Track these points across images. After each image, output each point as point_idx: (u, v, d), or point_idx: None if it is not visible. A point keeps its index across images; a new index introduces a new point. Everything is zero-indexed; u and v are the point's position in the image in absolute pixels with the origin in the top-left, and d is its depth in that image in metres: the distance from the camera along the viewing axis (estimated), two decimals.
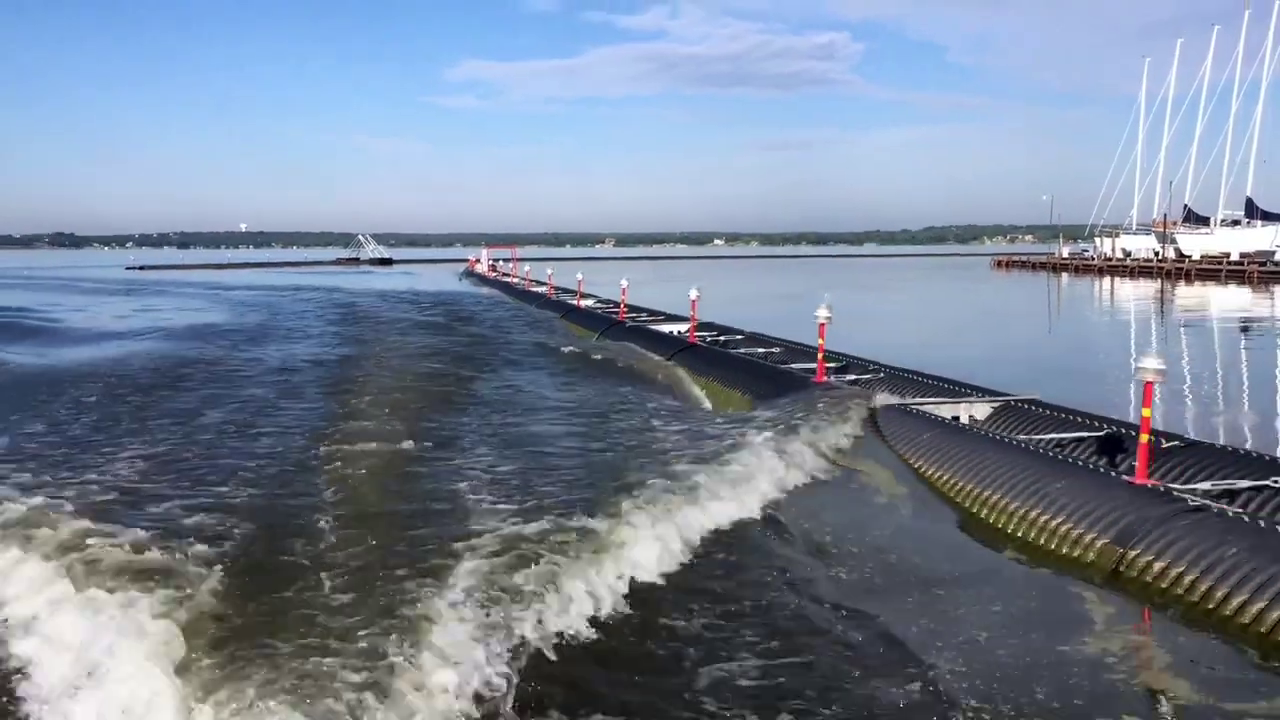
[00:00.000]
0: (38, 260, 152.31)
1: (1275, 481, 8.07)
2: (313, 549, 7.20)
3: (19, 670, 5.46)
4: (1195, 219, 74.09)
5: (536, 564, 6.67)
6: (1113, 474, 8.39)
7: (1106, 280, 65.64)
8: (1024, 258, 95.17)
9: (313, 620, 5.82)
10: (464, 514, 8.00)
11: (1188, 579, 6.66)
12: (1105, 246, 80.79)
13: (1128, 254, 75.95)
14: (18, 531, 7.21)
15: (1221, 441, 9.95)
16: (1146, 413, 7.98)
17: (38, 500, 7.97)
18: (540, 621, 5.93)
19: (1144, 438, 7.96)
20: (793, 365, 15.64)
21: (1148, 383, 7.88)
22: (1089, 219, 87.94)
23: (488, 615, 5.85)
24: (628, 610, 6.42)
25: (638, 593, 6.70)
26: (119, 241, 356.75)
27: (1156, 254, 72.12)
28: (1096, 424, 10.52)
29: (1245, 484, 8.20)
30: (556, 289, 38.05)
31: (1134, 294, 51.45)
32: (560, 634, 5.90)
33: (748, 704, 5.25)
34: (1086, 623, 6.58)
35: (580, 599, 6.36)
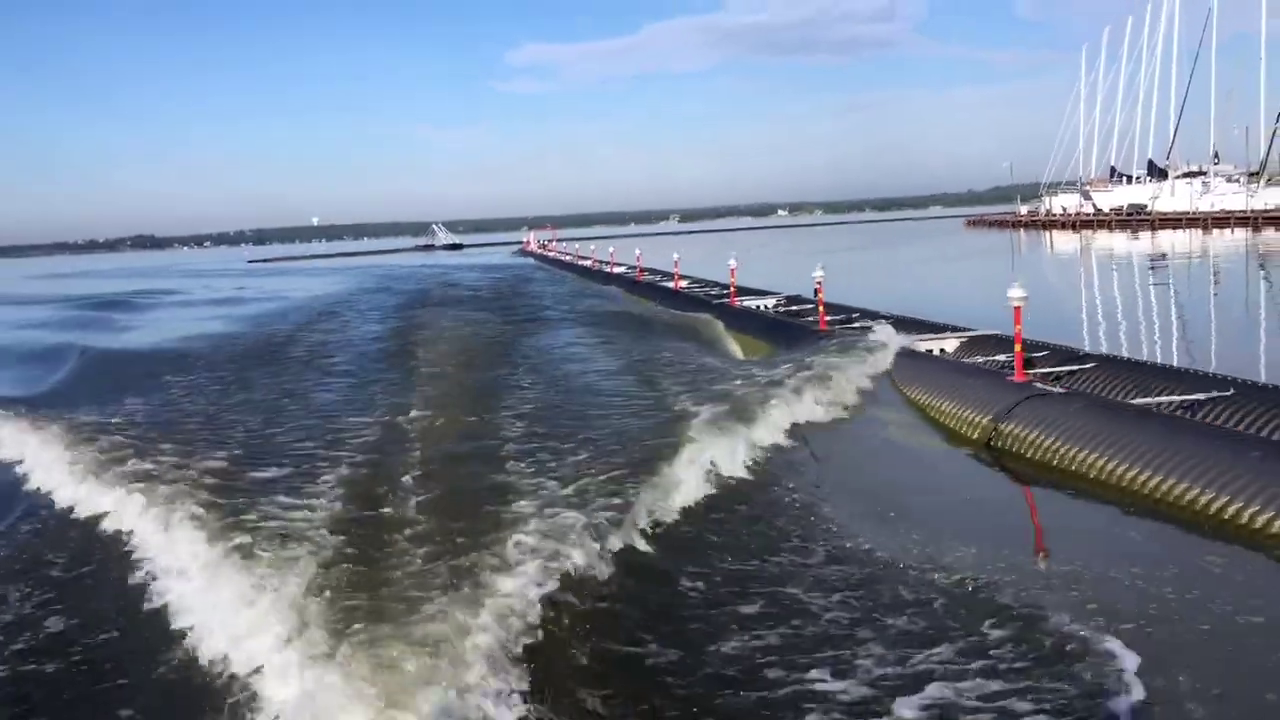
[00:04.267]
0: (127, 262, 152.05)
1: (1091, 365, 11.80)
2: (407, 478, 8.48)
3: (173, 626, 5.98)
4: (1118, 177, 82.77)
5: (598, 481, 8.06)
6: (1001, 375, 12.02)
7: (1046, 233, 74.83)
8: (990, 216, 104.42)
9: (410, 541, 6.82)
10: (537, 439, 9.87)
11: (1035, 439, 10.26)
12: (1047, 204, 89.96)
13: (1064, 209, 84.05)
14: (153, 494, 8.13)
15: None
16: (1018, 329, 11.54)
17: (171, 462, 9.11)
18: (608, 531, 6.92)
19: (1017, 347, 11.55)
20: (805, 319, 19.31)
21: (1016, 307, 11.44)
22: (1063, 177, 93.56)
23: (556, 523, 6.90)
24: (694, 510, 7.91)
25: (687, 509, 7.98)
26: (196, 241, 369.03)
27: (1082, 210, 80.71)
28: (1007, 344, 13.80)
29: (1080, 366, 11.96)
30: (619, 264, 42.59)
31: (1034, 241, 64.73)
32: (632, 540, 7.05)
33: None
34: (976, 471, 10.00)
35: (641, 512, 7.50)
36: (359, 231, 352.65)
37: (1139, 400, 10.22)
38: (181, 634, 5.81)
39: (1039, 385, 10.94)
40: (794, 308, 21.38)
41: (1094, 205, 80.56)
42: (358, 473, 8.85)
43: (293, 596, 5.79)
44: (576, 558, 6.32)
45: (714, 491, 8.59)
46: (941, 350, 14.89)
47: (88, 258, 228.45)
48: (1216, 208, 65.99)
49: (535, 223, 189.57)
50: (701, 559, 7.01)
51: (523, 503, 7.53)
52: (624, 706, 4.93)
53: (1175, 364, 11.40)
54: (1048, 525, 8.15)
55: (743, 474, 9.15)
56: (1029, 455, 9.73)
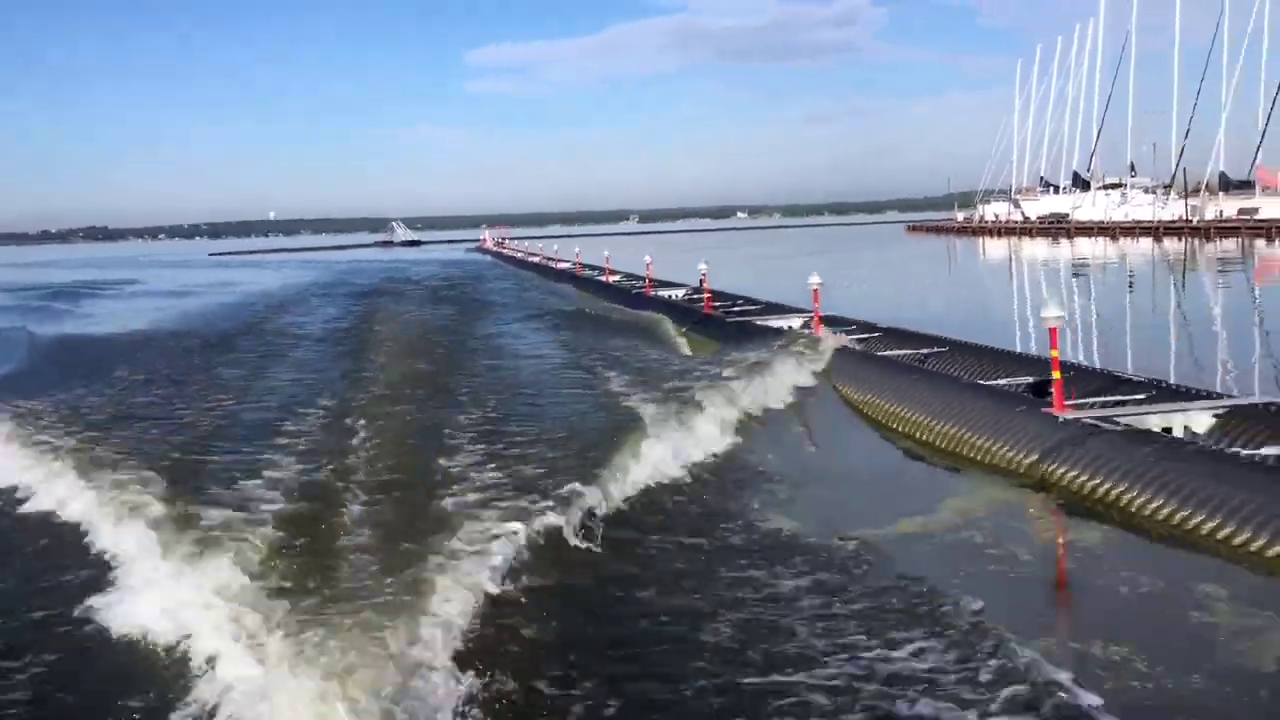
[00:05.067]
0: (79, 253, 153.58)
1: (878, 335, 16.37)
2: (357, 464, 8.80)
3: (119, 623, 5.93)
4: (1047, 187, 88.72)
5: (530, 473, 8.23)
6: (814, 339, 16.58)
7: (979, 239, 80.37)
8: (929, 223, 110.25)
9: (356, 536, 6.81)
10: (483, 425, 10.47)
11: (847, 389, 14.68)
12: (980, 211, 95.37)
13: (996, 217, 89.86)
14: (103, 489, 8.09)
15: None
16: (816, 305, 16.13)
17: (122, 459, 8.96)
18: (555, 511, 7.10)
19: (818, 320, 16.16)
20: (697, 305, 23.92)
21: (814, 290, 16.02)
22: (997, 184, 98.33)
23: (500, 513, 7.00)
24: (631, 504, 8.11)
25: (639, 495, 8.31)
26: (150, 234, 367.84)
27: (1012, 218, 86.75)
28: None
29: (869, 335, 16.52)
30: (564, 261, 47.35)
31: (961, 246, 70.36)
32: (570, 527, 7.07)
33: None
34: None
35: (578, 502, 7.51)
36: (317, 227, 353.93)
37: (886, 353, 14.77)
38: (130, 621, 5.89)
39: (851, 347, 15.57)
40: (695, 296, 25.89)
41: (1022, 213, 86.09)
42: (309, 460, 9.03)
43: (242, 585, 5.91)
44: (523, 540, 6.62)
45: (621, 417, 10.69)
46: (789, 326, 19.37)
47: (42, 249, 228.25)
48: (1130, 218, 71.39)
49: (495, 221, 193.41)
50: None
51: (469, 481, 8.10)
52: (574, 685, 5.08)
53: (932, 333, 15.96)
54: (816, 428, 12.37)
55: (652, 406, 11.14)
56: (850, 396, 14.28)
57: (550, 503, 7.32)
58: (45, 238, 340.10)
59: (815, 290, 16.02)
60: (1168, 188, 73.77)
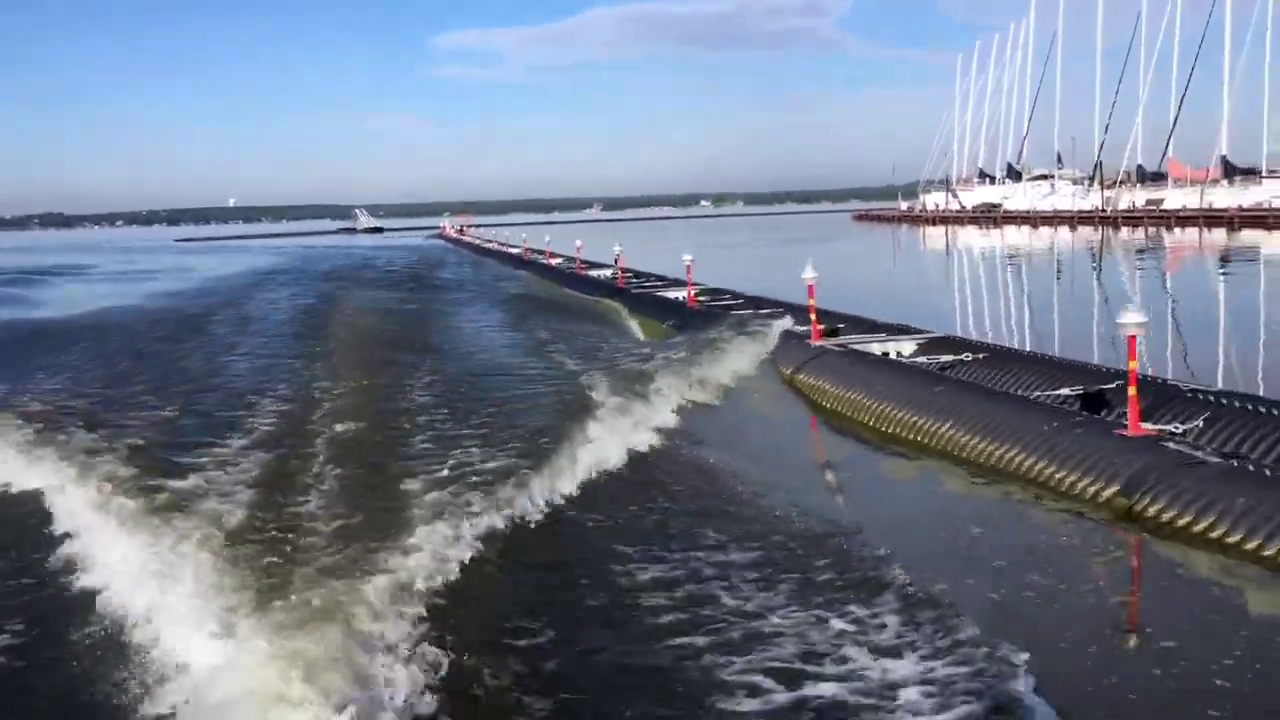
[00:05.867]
0: (37, 240, 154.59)
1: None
2: (320, 446, 8.93)
3: (91, 589, 6.08)
4: (983, 177, 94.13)
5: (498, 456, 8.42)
6: (685, 305, 21.17)
7: (920, 228, 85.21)
8: (874, 211, 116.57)
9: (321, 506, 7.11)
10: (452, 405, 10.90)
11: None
12: (922, 201, 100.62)
13: (936, 206, 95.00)
14: (73, 468, 8.21)
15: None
16: (689, 278, 20.67)
17: (90, 438, 9.09)
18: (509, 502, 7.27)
19: (691, 292, 20.72)
20: (614, 280, 28.47)
21: (688, 265, 20.54)
22: (938, 175, 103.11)
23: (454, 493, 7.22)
24: (593, 484, 8.29)
25: (596, 478, 8.46)
26: (108, 220, 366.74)
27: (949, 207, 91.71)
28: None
29: (735, 300, 21.10)
30: (513, 247, 52.14)
31: (899, 233, 74.42)
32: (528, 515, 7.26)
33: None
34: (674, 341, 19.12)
35: (539, 485, 7.77)
36: (279, 214, 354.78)
37: (742, 312, 19.26)
38: (94, 605, 5.91)
39: (698, 306, 20.13)
40: (614, 275, 30.44)
41: (959, 202, 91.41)
42: (272, 437, 9.27)
43: (204, 559, 6.06)
44: (480, 519, 6.77)
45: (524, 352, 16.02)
46: (679, 297, 23.77)
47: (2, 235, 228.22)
48: (1054, 208, 76.59)
49: (459, 209, 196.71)
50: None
51: (430, 454, 8.59)
52: (530, 671, 5.09)
53: (783, 300, 20.57)
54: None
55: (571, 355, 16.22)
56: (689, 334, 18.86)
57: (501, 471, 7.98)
58: (1, 224, 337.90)
59: (689, 266, 20.58)
60: (1093, 179, 78.95)
